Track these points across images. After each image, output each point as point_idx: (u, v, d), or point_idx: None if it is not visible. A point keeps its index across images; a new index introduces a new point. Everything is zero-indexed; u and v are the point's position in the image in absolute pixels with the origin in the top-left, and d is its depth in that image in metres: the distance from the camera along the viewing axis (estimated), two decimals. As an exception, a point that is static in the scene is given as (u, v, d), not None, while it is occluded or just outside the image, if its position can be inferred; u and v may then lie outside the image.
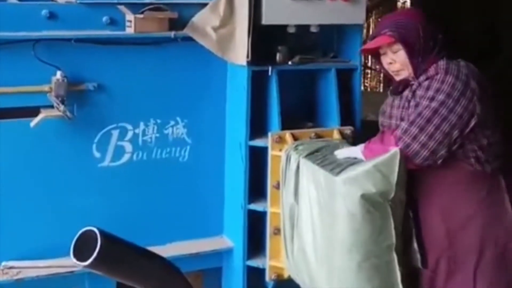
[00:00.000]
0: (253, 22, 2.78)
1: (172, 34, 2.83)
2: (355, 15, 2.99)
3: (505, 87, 3.87)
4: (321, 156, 2.58)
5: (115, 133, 2.87)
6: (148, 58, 2.88)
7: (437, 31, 2.48)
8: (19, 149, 2.72)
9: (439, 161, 2.32)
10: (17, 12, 2.64)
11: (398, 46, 2.45)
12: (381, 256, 2.32)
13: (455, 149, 2.33)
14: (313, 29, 2.97)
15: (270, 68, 2.88)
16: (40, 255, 2.76)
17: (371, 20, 9.94)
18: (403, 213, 2.40)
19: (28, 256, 2.75)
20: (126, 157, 2.90)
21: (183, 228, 3.04)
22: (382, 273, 2.34)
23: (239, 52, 2.85)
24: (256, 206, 2.92)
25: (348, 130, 2.91)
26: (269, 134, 2.83)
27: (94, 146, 2.84)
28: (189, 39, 2.86)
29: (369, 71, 10.43)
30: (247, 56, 2.80)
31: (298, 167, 2.62)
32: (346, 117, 3.01)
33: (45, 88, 2.67)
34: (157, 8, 2.82)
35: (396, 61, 2.49)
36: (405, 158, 2.29)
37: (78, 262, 1.95)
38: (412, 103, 2.41)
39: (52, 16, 2.69)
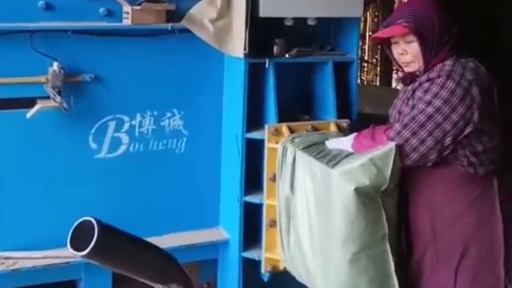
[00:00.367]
0: (250, 14, 2.78)
1: (169, 26, 2.83)
2: (353, 8, 2.99)
3: (502, 81, 3.87)
4: (317, 149, 2.58)
5: (112, 125, 2.87)
6: (145, 50, 2.88)
7: (452, 24, 2.41)
8: (15, 140, 2.72)
9: (429, 164, 2.32)
10: (13, 3, 2.63)
11: (411, 37, 2.38)
12: (375, 247, 2.34)
13: (447, 154, 2.31)
14: (310, 22, 2.97)
15: (267, 61, 2.88)
16: (36, 246, 2.76)
17: (368, 13, 9.94)
18: (394, 203, 2.40)
19: (24, 246, 2.76)
20: (122, 149, 2.91)
21: (179, 219, 3.05)
22: (376, 264, 2.35)
23: (236, 44, 2.85)
24: (252, 198, 2.93)
25: (344, 123, 2.91)
26: (266, 126, 2.83)
27: (90, 137, 2.84)
28: (186, 31, 2.86)
29: (366, 64, 10.44)
30: (244, 49, 2.80)
31: (294, 159, 2.63)
32: (343, 110, 3.02)
33: (42, 79, 2.67)
34: (154, 0, 2.81)
35: (408, 52, 2.41)
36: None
37: (75, 252, 1.95)
38: (410, 102, 2.39)
39: (48, 7, 2.68)
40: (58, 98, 2.66)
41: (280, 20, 2.91)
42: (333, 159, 2.44)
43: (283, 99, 2.92)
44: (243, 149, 2.90)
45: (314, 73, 3.10)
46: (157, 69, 2.92)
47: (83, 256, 1.93)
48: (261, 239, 2.89)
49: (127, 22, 2.79)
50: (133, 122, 2.91)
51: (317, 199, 2.47)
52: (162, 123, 2.96)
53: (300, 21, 2.95)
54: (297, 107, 3.08)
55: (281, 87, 2.91)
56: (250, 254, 2.96)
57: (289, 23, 2.92)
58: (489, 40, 5.49)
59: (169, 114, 2.97)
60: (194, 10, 2.85)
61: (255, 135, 2.90)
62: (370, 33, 10.46)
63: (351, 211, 2.30)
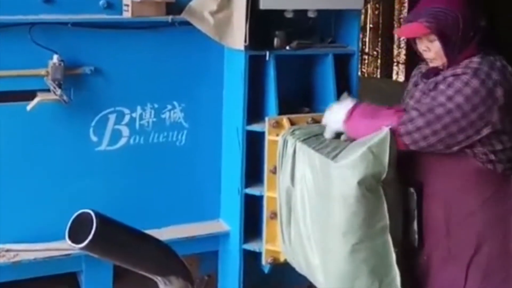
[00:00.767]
0: (250, 6, 2.77)
1: (169, 18, 2.83)
2: (353, 0, 2.98)
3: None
4: (317, 140, 2.58)
5: (112, 117, 2.87)
6: (145, 42, 2.88)
7: (479, 18, 2.31)
8: (16, 132, 2.72)
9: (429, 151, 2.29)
10: (13, -5, 2.63)
11: (433, 37, 2.30)
12: (376, 238, 2.33)
13: (457, 149, 2.27)
14: (311, 14, 2.96)
15: (267, 53, 2.88)
16: (37, 238, 2.77)
17: (368, 5, 9.92)
18: (396, 193, 2.40)
19: (25, 239, 2.76)
20: (123, 141, 2.91)
21: (179, 212, 3.05)
22: (377, 255, 2.35)
23: (237, 36, 2.84)
24: (253, 191, 2.93)
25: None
26: (266, 119, 2.83)
27: (91, 130, 2.84)
28: (186, 23, 2.85)
29: (366, 57, 10.42)
30: (245, 41, 2.80)
31: (294, 151, 2.63)
32: (343, 102, 3.02)
33: (42, 72, 2.67)
34: (154, -8, 2.81)
35: (431, 50, 2.34)
36: (396, 138, 2.25)
37: (73, 244, 1.96)
38: (432, 94, 2.32)
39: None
40: (58, 91, 2.66)
41: (281, 12, 2.91)
42: (333, 150, 2.43)
43: (284, 91, 2.92)
44: (243, 141, 2.91)
45: (314, 65, 3.10)
46: (157, 61, 2.92)
47: (81, 248, 1.94)
48: (262, 231, 2.90)
49: (127, 14, 2.78)
50: (134, 115, 2.91)
51: (317, 190, 2.47)
52: (163, 116, 2.96)
53: (301, 13, 2.94)
54: (298, 99, 3.08)
55: (282, 80, 2.91)
56: (251, 246, 2.97)
57: (289, 15, 2.92)
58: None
59: (169, 107, 2.97)
60: (194, 3, 2.85)
61: (255, 127, 2.90)
62: (371, 25, 10.44)
63: (352, 201, 2.29)
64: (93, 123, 2.84)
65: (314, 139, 2.60)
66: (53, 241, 2.72)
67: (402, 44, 10.05)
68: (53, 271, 2.83)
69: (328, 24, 3.15)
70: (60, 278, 2.93)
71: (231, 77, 2.99)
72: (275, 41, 2.92)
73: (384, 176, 2.28)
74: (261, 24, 2.86)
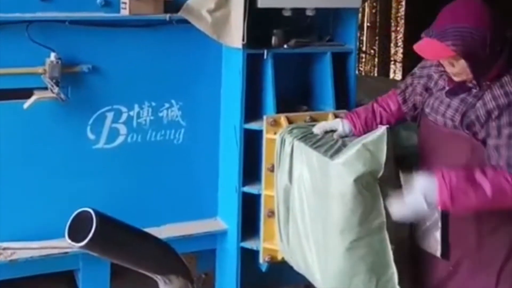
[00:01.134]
0: (248, 5, 2.77)
1: (167, 16, 2.82)
2: (351, -2, 2.98)
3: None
4: (314, 138, 2.59)
5: (110, 115, 2.86)
6: (143, 40, 2.87)
7: (505, 30, 2.20)
8: (13, 131, 2.72)
9: None
10: (10, -7, 2.62)
11: (459, 57, 2.17)
12: (373, 235, 2.34)
13: None
14: (308, 13, 2.96)
15: (265, 52, 2.88)
16: (34, 237, 2.76)
17: (366, 4, 9.93)
18: (393, 190, 2.38)
19: (23, 237, 2.76)
20: (120, 139, 2.90)
21: (177, 210, 3.05)
22: (374, 252, 2.35)
23: (235, 35, 2.84)
24: (251, 189, 2.93)
25: (342, 113, 2.90)
26: (264, 117, 2.83)
27: (88, 128, 2.84)
28: (184, 21, 2.85)
29: (363, 55, 10.44)
30: (243, 39, 2.79)
31: (292, 150, 2.63)
32: (341, 101, 3.02)
33: (39, 69, 2.66)
34: (152, -10, 2.81)
35: (455, 67, 2.22)
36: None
37: (73, 243, 1.96)
38: (482, 112, 2.21)
39: (46, -3, 2.67)
40: (56, 89, 2.65)
41: (278, 10, 2.90)
42: (330, 148, 2.44)
43: (281, 89, 2.92)
44: (241, 140, 2.91)
45: (312, 63, 3.10)
46: (155, 59, 2.91)
47: (81, 247, 1.94)
48: (259, 230, 2.90)
49: (124, 12, 2.78)
50: (131, 113, 2.90)
51: (315, 188, 2.47)
52: (160, 114, 2.96)
53: (299, 12, 2.94)
54: (296, 97, 3.08)
55: (279, 78, 2.91)
56: (248, 244, 2.97)
57: (287, 13, 2.92)
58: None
59: (167, 105, 2.97)
60: (192, 1, 2.84)
61: (253, 125, 2.90)
62: (368, 24, 10.45)
63: (349, 199, 2.30)
64: (90, 121, 2.83)
65: (312, 137, 2.61)
66: (51, 239, 2.72)
67: (399, 43, 10.08)
68: (50, 269, 2.82)
69: (326, 22, 3.16)
70: (57, 277, 2.93)
71: (229, 75, 2.99)
72: (273, 39, 2.92)
73: (381, 173, 2.29)
74: (259, 23, 2.86)
